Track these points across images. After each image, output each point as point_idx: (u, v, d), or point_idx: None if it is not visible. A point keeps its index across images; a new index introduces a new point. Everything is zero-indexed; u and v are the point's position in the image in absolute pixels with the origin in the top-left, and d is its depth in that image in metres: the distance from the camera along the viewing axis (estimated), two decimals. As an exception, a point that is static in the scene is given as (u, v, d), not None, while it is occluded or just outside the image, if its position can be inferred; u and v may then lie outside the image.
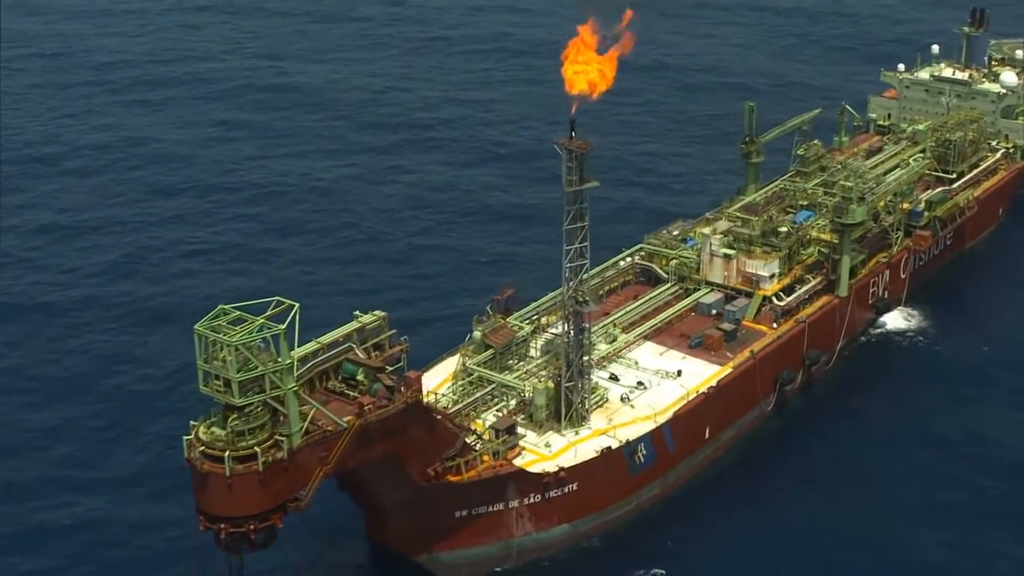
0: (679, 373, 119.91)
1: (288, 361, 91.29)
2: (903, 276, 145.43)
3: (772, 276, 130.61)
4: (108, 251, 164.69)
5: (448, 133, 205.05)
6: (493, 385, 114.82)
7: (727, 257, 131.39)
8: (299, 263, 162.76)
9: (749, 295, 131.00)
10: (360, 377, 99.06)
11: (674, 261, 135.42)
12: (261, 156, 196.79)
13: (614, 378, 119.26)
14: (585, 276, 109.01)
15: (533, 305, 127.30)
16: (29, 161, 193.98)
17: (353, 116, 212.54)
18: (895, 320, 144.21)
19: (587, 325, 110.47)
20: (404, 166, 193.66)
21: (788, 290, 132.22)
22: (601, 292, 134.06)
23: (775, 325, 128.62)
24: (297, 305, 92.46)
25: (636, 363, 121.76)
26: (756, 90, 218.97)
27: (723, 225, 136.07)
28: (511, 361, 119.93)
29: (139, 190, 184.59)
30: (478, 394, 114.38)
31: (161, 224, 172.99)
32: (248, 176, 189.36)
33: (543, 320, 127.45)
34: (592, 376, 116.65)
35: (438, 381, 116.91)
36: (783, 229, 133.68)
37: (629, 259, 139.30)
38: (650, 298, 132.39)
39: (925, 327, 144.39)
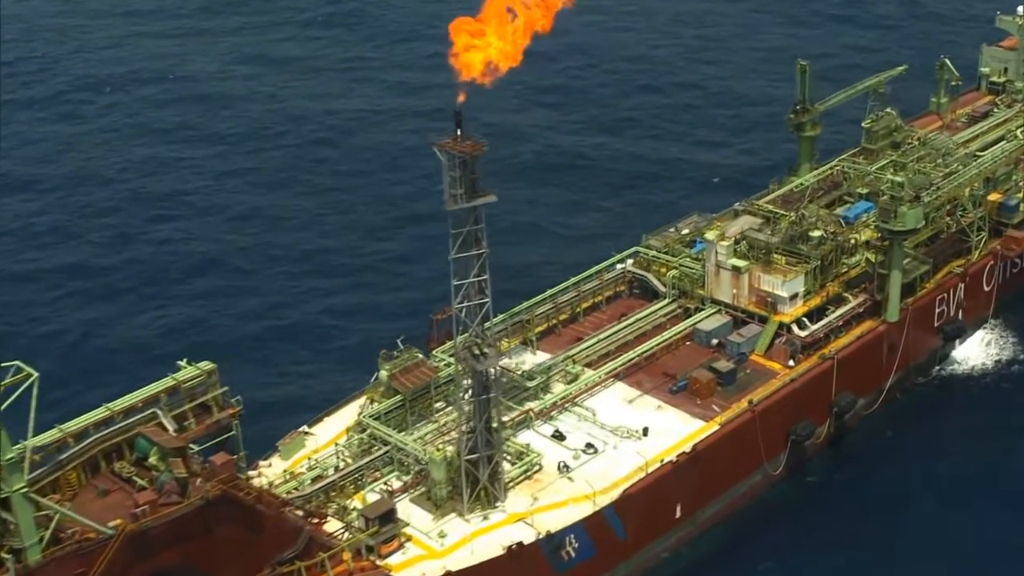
0: (645, 432, 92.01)
1: (9, 456, 66.97)
2: (987, 290, 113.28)
3: (794, 296, 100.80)
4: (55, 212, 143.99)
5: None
6: (389, 447, 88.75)
7: (736, 270, 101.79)
8: (274, 230, 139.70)
9: (765, 320, 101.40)
10: (153, 459, 74.49)
11: (673, 271, 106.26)
12: (279, 96, 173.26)
13: (558, 436, 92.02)
14: (488, 322, 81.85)
15: (494, 321, 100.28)
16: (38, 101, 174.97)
17: (392, 53, 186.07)
18: (972, 349, 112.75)
19: (493, 381, 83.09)
20: (435, 113, 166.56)
21: (817, 314, 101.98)
22: (578, 309, 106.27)
23: (792, 363, 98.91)
24: (35, 376, 68.39)
25: (594, 414, 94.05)
26: (872, 24, 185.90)
27: (738, 226, 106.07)
28: (438, 404, 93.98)
29: (128, 133, 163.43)
30: (372, 456, 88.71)
31: (134, 177, 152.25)
32: (259, 119, 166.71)
33: (497, 346, 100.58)
34: (528, 434, 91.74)
35: (334, 433, 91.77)
36: (815, 234, 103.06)
37: (630, 261, 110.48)
38: (635, 320, 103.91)
39: (1014, 358, 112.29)
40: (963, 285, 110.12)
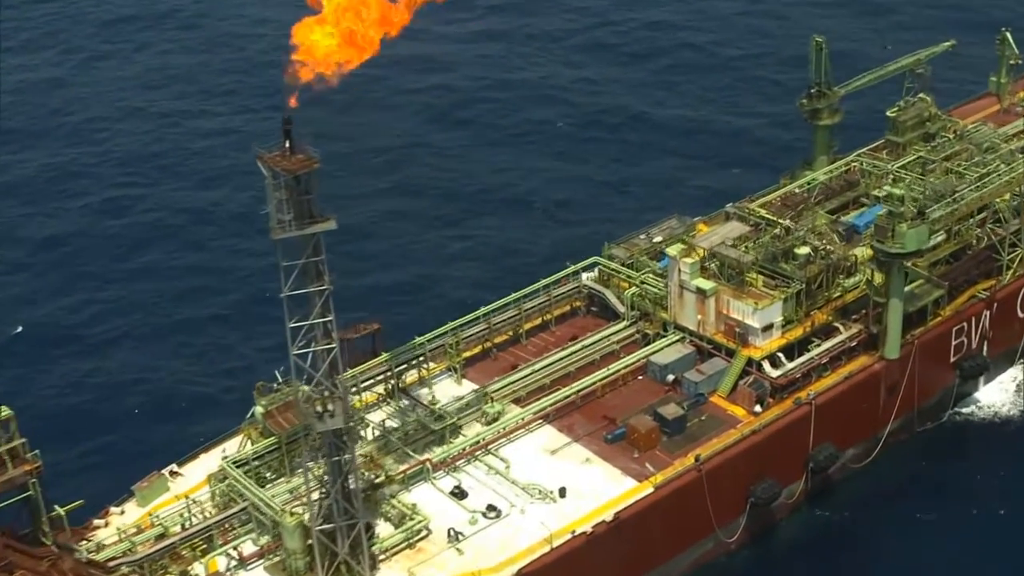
0: (561, 492, 76.65)
1: None
2: (1022, 317, 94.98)
3: (768, 328, 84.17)
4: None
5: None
6: (247, 503, 75.14)
7: (700, 293, 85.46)
8: (242, 201, 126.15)
9: (733, 354, 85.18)
10: (-92, 531, 61.93)
11: (633, 289, 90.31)
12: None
13: (458, 493, 77.27)
14: (339, 375, 67.17)
15: (414, 342, 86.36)
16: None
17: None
18: (998, 391, 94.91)
19: (347, 440, 68.76)
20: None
21: (800, 348, 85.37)
22: (521, 330, 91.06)
23: (758, 408, 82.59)
24: None
25: (508, 467, 79.14)
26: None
27: (718, 237, 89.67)
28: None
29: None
30: (228, 513, 75.26)
31: (109, 136, 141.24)
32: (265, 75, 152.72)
33: (413, 375, 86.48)
34: (423, 489, 77.76)
35: (204, 476, 78.48)
36: (802, 251, 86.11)
37: (587, 274, 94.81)
38: (582, 347, 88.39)
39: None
40: (989, 312, 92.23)
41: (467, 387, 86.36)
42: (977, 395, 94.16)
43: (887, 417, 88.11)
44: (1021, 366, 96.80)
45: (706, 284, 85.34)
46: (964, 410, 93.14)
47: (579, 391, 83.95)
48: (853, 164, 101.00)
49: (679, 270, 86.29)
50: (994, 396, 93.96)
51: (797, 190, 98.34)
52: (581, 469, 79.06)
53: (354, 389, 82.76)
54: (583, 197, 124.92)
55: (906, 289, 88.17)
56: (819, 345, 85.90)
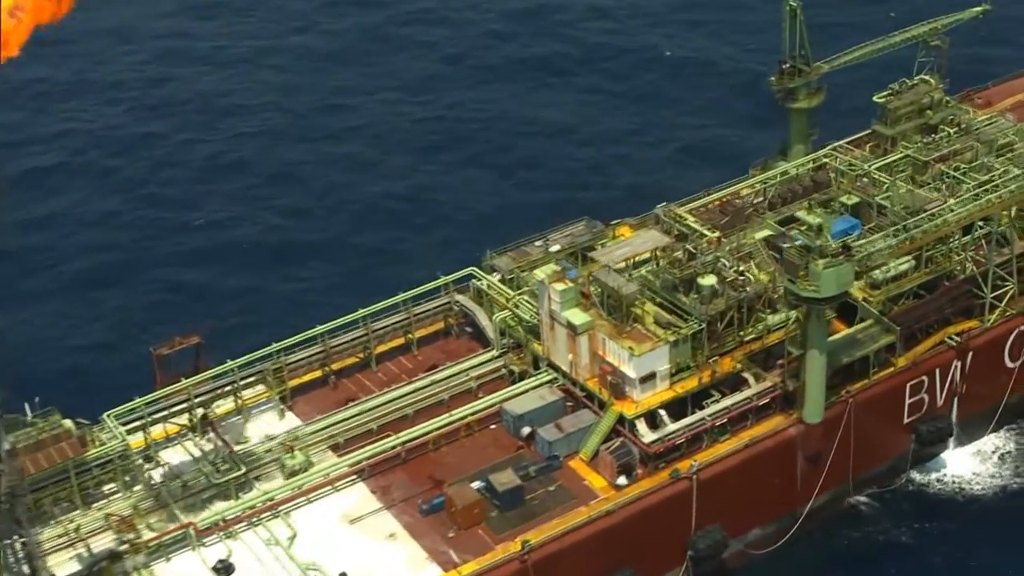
0: (342, 578, 61.72)
1: None
2: (1010, 369, 75.59)
3: (649, 378, 66.86)
4: None
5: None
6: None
7: (572, 328, 68.48)
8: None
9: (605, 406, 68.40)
10: None
11: (504, 313, 73.75)
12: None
13: (221, 569, 62.93)
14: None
15: (226, 365, 71.60)
16: None
17: None
18: (973, 458, 75.76)
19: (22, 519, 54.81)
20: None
21: (693, 404, 68.03)
22: (371, 354, 75.41)
23: (622, 480, 65.77)
24: None
25: (292, 537, 64.20)
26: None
27: (619, 251, 72.55)
28: (110, 487, 67.04)
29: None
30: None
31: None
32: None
33: (228, 403, 72.08)
34: (185, 557, 63.45)
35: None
36: (707, 281, 68.20)
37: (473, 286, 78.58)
38: (431, 383, 72.56)
39: (1035, 484, 74.77)
40: (961, 363, 73.01)
41: (290, 422, 71.58)
42: (945, 456, 75.29)
43: (808, 492, 70.39)
44: (1005, 433, 77.16)
45: (579, 317, 68.30)
46: (921, 477, 74.80)
47: (405, 442, 68.13)
48: (825, 160, 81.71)
49: (548, 296, 69.35)
50: (964, 465, 75.06)
51: (747, 191, 79.86)
52: (380, 547, 64.05)
53: (141, 421, 68.83)
54: (579, 160, 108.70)
55: (848, 332, 70.31)
56: (717, 402, 68.20)
